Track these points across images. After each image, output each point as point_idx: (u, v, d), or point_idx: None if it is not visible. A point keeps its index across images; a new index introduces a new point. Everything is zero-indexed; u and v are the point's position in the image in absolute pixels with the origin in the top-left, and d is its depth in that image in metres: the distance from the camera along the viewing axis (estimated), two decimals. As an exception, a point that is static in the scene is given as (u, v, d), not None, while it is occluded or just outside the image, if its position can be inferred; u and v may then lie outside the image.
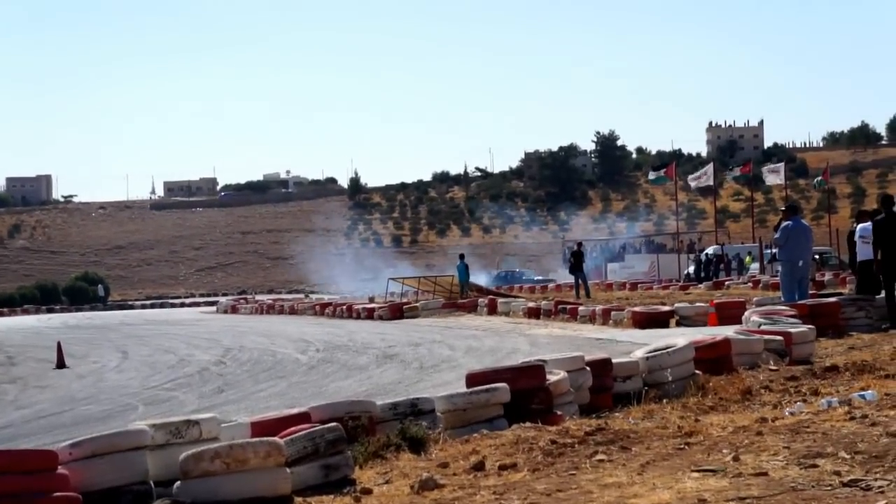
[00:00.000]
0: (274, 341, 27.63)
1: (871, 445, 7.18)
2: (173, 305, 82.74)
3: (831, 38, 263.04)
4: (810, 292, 21.70)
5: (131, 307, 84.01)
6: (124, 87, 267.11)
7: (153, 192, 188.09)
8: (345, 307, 42.32)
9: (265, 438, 7.42)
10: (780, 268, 22.97)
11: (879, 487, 6.11)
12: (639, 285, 49.59)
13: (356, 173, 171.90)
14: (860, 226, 20.89)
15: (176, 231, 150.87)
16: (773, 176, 69.19)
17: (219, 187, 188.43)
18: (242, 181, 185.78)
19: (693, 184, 70.86)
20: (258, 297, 72.85)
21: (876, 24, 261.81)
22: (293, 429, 8.03)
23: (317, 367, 20.33)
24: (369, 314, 38.08)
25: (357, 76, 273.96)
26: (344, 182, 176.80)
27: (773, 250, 57.54)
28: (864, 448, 7.11)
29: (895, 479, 6.25)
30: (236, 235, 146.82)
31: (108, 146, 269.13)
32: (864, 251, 20.48)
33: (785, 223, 21.36)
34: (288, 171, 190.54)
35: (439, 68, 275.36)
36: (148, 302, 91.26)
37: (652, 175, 69.22)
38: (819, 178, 68.05)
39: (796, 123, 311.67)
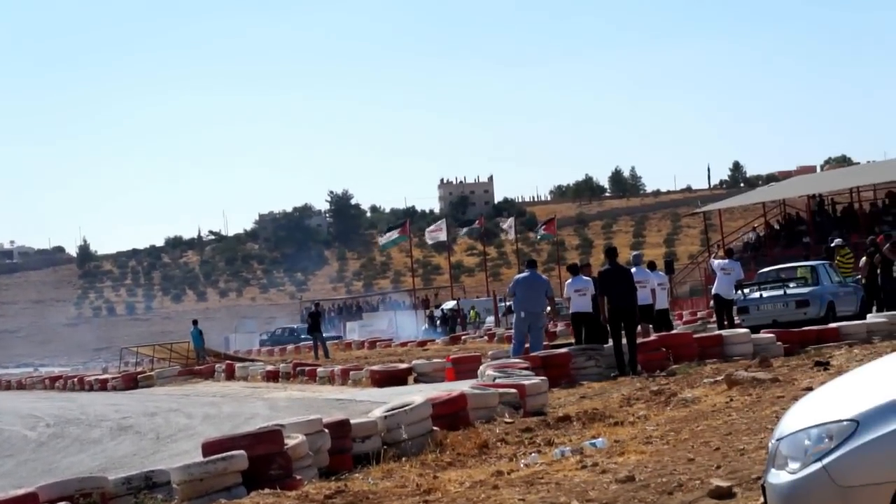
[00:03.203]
0: (0, 418, 26.52)
1: (602, 493, 7.38)
2: None
3: (554, 94, 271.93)
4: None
5: None
6: None
7: None
8: (76, 379, 41.12)
9: (-11, 524, 7.10)
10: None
11: (610, 534, 6.28)
12: (377, 343, 49.89)
13: (85, 241, 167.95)
14: (572, 280, 21.79)
15: None
16: (508, 228, 71.09)
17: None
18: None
19: (429, 239, 72.03)
20: (-17, 373, 69.89)
21: (595, 81, 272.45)
22: (20, 511, 7.71)
23: (47, 444, 19.60)
24: (102, 385, 37.07)
25: (79, 140, 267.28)
26: (72, 250, 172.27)
27: (509, 302, 59.16)
28: (595, 496, 7.30)
29: (625, 525, 6.43)
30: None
31: None
32: (578, 303, 21.33)
33: (516, 276, 22.12)
34: (12, 242, 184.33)
35: (166, 130, 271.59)
36: None
37: (383, 240, 69.70)
38: (541, 230, 69.99)
39: (525, 178, 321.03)
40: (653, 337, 20.06)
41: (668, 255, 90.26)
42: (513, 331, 23.74)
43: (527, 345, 21.11)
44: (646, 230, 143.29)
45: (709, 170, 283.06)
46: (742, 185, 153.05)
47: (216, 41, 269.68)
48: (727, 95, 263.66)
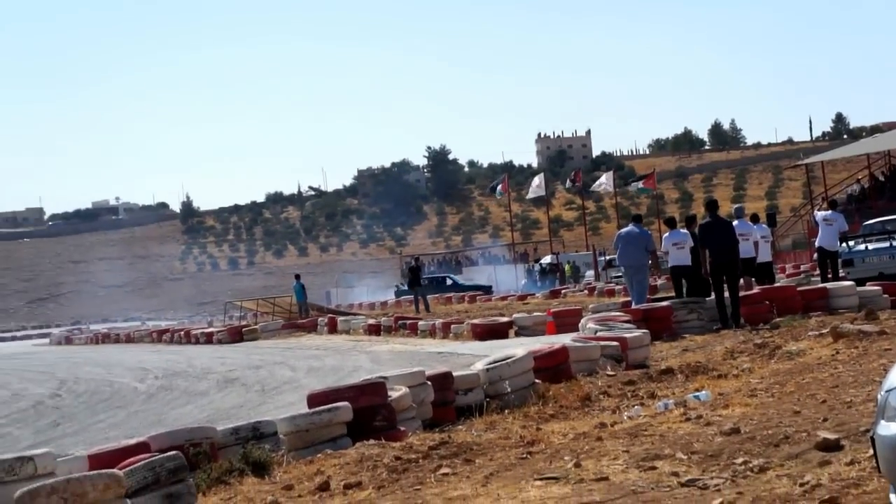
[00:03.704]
0: (111, 371, 27.07)
1: (707, 445, 7.35)
2: (4, 339, 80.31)
3: (653, 48, 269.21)
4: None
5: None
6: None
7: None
8: (182, 333, 41.75)
9: (103, 471, 7.24)
10: None
11: (716, 486, 6.26)
12: (477, 297, 49.96)
13: (188, 197, 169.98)
14: (669, 233, 21.58)
15: (3, 263, 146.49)
16: (600, 186, 70.43)
17: (46, 217, 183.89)
18: (71, 210, 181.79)
19: (532, 193, 71.74)
20: (93, 327, 71.27)
21: (695, 34, 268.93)
22: (132, 459, 7.88)
23: (156, 395, 19.98)
24: (208, 339, 37.61)
25: (184, 99, 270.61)
26: (176, 206, 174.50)
27: (610, 256, 58.89)
28: (700, 448, 7.28)
29: (730, 477, 6.41)
30: (67, 265, 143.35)
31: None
32: (676, 257, 21.12)
33: (619, 231, 22.13)
34: (117, 198, 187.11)
35: (267, 88, 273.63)
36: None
37: (497, 192, 69.82)
38: (639, 184, 69.25)
39: (623, 131, 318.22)
40: (756, 290, 19.84)
41: (770, 208, 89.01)
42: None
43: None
44: (746, 183, 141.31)
45: (811, 121, 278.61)
46: (845, 136, 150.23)
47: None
48: (829, 45, 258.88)
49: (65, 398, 21.54)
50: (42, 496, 6.83)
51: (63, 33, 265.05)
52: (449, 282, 60.95)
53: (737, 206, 24.95)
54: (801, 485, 5.99)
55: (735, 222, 20.90)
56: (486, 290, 57.22)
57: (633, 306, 19.67)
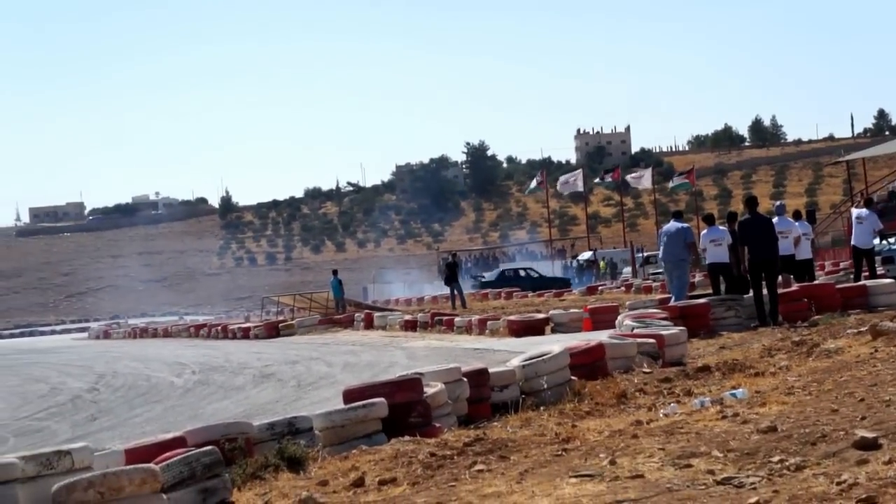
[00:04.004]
0: (148, 365, 27.24)
1: (743, 443, 7.30)
2: (43, 333, 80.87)
3: (693, 44, 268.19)
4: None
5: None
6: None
7: (18, 218, 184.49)
8: (220, 328, 41.96)
9: (140, 465, 7.28)
10: None
11: (752, 484, 6.22)
12: (514, 294, 49.92)
13: (227, 192, 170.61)
14: (707, 230, 21.46)
15: (43, 257, 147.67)
16: (638, 180, 70.28)
17: (87, 211, 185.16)
18: (111, 204, 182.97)
19: (562, 188, 71.62)
20: (131, 322, 71.73)
21: (736, 30, 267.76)
22: (169, 454, 7.91)
23: (193, 390, 20.10)
24: (245, 334, 37.78)
25: (223, 94, 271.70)
26: (215, 202, 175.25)
27: (646, 253, 58.62)
28: (736, 446, 7.23)
29: (767, 476, 6.36)
30: (106, 259, 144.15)
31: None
32: (714, 254, 21.01)
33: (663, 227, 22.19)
34: (157, 193, 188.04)
35: (306, 84, 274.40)
36: (17, 331, 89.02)
37: (531, 186, 69.85)
38: (678, 179, 69.09)
39: (662, 128, 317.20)
40: (794, 287, 19.73)
41: (810, 205, 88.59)
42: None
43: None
44: (786, 180, 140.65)
45: (852, 118, 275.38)
46: (887, 132, 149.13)
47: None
48: (871, 41, 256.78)
49: (102, 392, 21.71)
50: (79, 490, 6.87)
51: (105, 28, 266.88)
52: (535, 274, 59.59)
53: (778, 202, 24.81)
54: (839, 483, 5.93)
55: (775, 219, 20.79)
56: (565, 283, 56.60)
57: (672, 302, 19.60)
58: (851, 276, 25.97)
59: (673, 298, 20.99)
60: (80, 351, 42.04)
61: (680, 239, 21.39)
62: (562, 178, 71.47)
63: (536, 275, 59.26)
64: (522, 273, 59.39)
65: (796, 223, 22.91)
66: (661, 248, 22.08)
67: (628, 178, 72.65)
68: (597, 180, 77.15)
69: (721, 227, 21.50)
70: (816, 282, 22.76)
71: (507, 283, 54.28)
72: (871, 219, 23.48)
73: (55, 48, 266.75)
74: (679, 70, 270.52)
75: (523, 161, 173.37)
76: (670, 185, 74.15)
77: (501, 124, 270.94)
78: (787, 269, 21.17)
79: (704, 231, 21.68)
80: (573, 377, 11.73)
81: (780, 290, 18.83)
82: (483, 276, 62.06)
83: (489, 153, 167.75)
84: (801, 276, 22.22)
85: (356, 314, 37.04)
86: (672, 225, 21.82)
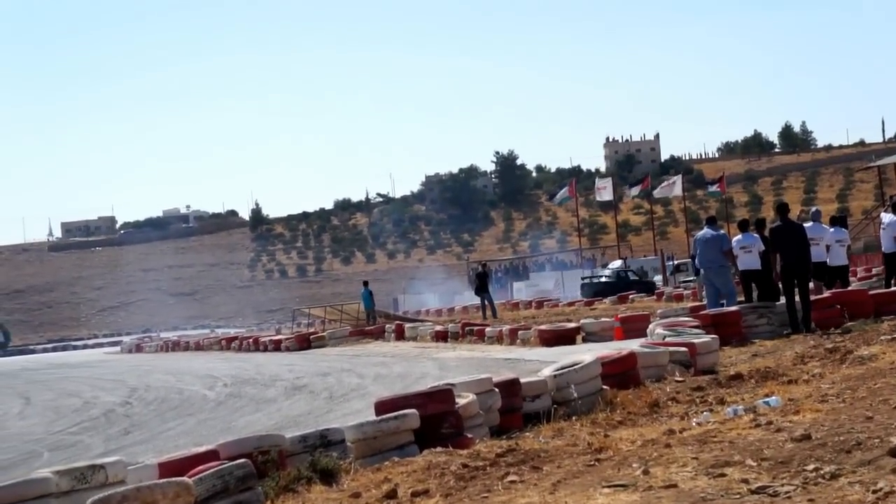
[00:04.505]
0: (180, 379, 27.34)
1: (777, 451, 7.27)
2: (76, 347, 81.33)
3: (721, 50, 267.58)
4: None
5: (33, 352, 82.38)
6: (15, 129, 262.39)
7: (50, 233, 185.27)
8: (251, 340, 42.06)
9: (173, 479, 7.32)
10: None
11: (786, 493, 6.19)
12: (545, 303, 49.84)
13: (257, 204, 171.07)
14: (740, 236, 21.34)
15: (76, 272, 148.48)
16: (667, 189, 70.19)
17: (118, 225, 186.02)
18: (142, 218, 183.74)
19: (598, 195, 71.74)
20: (163, 335, 72.00)
21: (765, 36, 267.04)
22: (202, 467, 7.94)
23: (225, 403, 20.15)
24: (276, 346, 37.87)
25: (252, 106, 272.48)
26: (245, 214, 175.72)
27: (677, 262, 58.03)
28: (771, 454, 7.20)
29: (801, 484, 6.33)
30: (138, 273, 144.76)
31: (1, 189, 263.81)
32: (745, 261, 20.91)
33: (697, 235, 22.10)
34: (188, 206, 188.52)
35: (335, 95, 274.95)
36: (50, 345, 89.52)
37: (557, 198, 69.89)
38: (713, 187, 68.95)
39: (691, 135, 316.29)
40: (827, 294, 19.62)
41: (841, 210, 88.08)
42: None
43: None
44: (817, 186, 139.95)
45: (883, 123, 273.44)
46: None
47: (378, 1, 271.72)
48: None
49: (135, 406, 21.79)
50: (113, 504, 6.90)
51: (134, 42, 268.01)
52: (633, 276, 56.31)
53: (814, 208, 24.66)
54: (874, 492, 5.90)
55: (808, 224, 20.69)
56: (649, 287, 52.80)
57: (708, 310, 19.48)
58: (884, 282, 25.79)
59: (708, 305, 20.87)
60: (113, 365, 42.22)
61: (716, 246, 21.23)
62: (598, 183, 71.56)
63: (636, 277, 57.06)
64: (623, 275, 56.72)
65: (831, 230, 22.75)
66: (697, 254, 21.93)
67: (656, 193, 72.61)
68: (627, 191, 77.05)
69: (753, 234, 21.38)
70: (849, 288, 22.58)
71: (624, 287, 51.67)
72: (893, 225, 23.27)
73: (87, 63, 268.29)
74: (708, 76, 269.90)
75: (553, 170, 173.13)
76: (705, 191, 73.98)
77: (530, 133, 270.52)
78: (818, 276, 21.05)
79: (737, 237, 21.58)
80: (605, 386, 11.70)
81: (812, 297, 18.73)
82: (594, 278, 58.41)
83: (518, 162, 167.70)
84: (833, 283, 22.07)
85: (387, 325, 37.07)
86: (707, 232, 21.67)
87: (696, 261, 22.26)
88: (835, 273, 22.39)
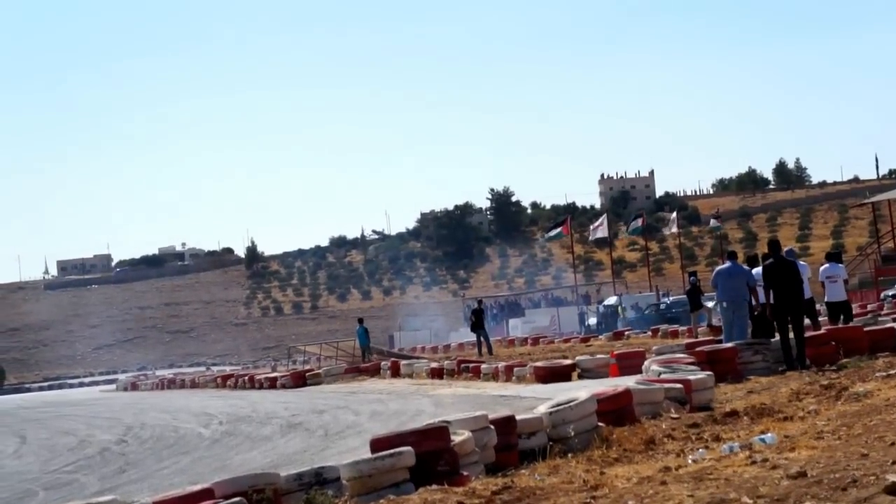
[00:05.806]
0: (176, 416, 27.26)
1: (773, 489, 7.27)
2: (71, 386, 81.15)
3: (715, 87, 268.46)
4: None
5: (28, 390, 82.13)
6: (10, 167, 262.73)
7: (46, 271, 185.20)
8: (247, 378, 41.95)
9: (168, 518, 7.31)
10: None
11: (782, 530, 6.19)
12: (540, 340, 49.79)
13: (252, 242, 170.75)
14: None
15: (71, 310, 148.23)
16: (666, 228, 70.57)
17: (113, 263, 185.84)
18: (137, 256, 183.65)
19: (592, 234, 71.94)
20: (158, 373, 71.90)
21: (759, 73, 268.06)
22: (197, 506, 7.92)
23: (220, 441, 20.09)
24: (272, 384, 37.79)
25: (247, 144, 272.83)
26: (241, 251, 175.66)
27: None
28: (766, 492, 7.20)
29: (797, 521, 6.33)
30: (133, 311, 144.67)
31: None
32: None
33: (717, 268, 22.13)
34: (183, 244, 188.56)
35: (329, 132, 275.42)
36: (45, 384, 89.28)
37: (551, 234, 70.01)
38: (715, 221, 69.34)
39: (686, 171, 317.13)
40: (822, 330, 19.65)
41: (836, 247, 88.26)
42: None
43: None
44: (812, 222, 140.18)
45: (877, 159, 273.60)
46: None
47: (372, 39, 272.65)
48: (893, 82, 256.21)
49: (131, 444, 21.72)
50: (107, 543, 6.89)
51: (129, 81, 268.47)
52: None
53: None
54: (870, 529, 5.91)
55: (825, 265, 20.92)
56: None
57: (734, 341, 19.42)
58: (880, 319, 25.86)
59: (725, 339, 20.77)
60: (109, 403, 42.12)
61: (742, 281, 21.07)
62: (592, 227, 71.79)
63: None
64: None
65: (840, 266, 23.03)
66: (720, 287, 21.60)
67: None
68: (624, 225, 77.22)
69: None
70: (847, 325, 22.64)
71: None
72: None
73: (81, 102, 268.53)
74: (702, 114, 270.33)
75: (548, 206, 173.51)
76: (709, 226, 74.46)
77: (525, 170, 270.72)
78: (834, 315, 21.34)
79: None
80: (601, 423, 11.70)
81: (807, 334, 18.76)
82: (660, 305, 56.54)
83: (513, 199, 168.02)
84: (837, 318, 22.18)
85: (382, 362, 37.01)
86: (732, 266, 21.50)
87: (718, 294, 22.06)
88: (837, 308, 22.52)
